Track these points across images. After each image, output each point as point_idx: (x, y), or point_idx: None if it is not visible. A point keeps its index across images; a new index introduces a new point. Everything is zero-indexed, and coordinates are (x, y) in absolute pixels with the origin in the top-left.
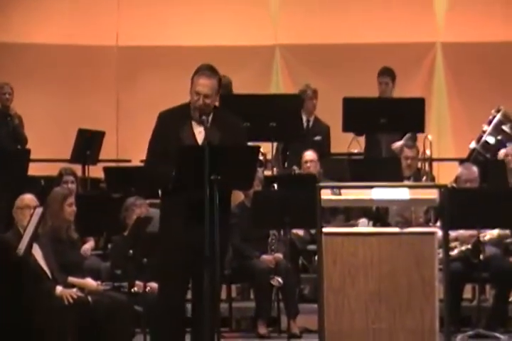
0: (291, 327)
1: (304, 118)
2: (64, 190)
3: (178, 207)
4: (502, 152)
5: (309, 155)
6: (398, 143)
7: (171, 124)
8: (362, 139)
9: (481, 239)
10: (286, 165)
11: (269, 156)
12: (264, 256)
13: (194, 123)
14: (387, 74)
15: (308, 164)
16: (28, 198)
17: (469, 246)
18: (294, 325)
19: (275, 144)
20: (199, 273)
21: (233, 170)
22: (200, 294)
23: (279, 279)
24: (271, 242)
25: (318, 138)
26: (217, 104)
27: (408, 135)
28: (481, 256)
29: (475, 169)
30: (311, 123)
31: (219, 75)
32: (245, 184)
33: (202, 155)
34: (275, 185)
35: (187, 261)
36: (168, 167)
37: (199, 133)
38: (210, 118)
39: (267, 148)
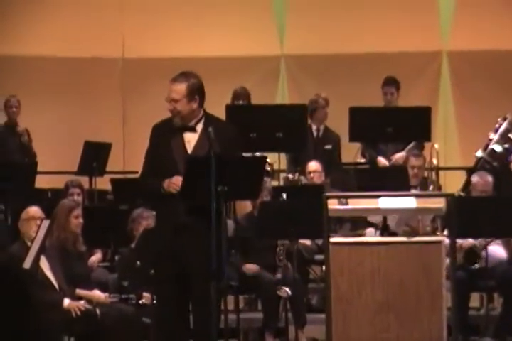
0: (298, 337)
1: (314, 127)
2: (70, 202)
3: (168, 219)
4: None
5: (313, 165)
6: (398, 155)
7: (163, 135)
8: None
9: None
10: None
11: (275, 166)
12: (247, 265)
13: (186, 133)
14: (391, 84)
15: (312, 174)
16: (34, 210)
17: (462, 254)
18: (301, 335)
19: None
20: (193, 285)
21: (239, 180)
22: (195, 306)
23: (287, 289)
24: (279, 252)
25: (328, 147)
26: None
27: (411, 145)
28: (477, 264)
29: (490, 178)
30: (321, 132)
31: (192, 80)
32: (252, 194)
33: (207, 166)
34: (284, 195)
35: (177, 272)
36: (157, 179)
37: (188, 142)
38: (200, 126)
39: (274, 159)
